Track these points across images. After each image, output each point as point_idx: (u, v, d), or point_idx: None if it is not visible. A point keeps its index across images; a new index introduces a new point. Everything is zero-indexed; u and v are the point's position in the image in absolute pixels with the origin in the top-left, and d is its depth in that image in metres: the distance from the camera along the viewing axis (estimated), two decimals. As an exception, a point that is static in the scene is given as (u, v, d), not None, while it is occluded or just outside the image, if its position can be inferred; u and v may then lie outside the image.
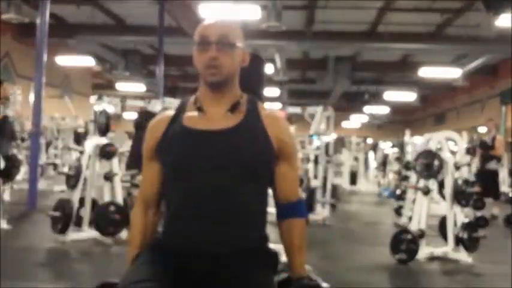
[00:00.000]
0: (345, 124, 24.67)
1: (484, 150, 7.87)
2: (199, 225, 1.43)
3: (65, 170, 9.30)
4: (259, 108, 1.54)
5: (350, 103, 19.60)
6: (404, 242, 4.68)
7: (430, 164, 4.97)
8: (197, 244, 1.43)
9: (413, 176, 6.57)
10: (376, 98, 18.86)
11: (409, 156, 8.20)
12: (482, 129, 10.00)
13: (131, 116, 15.16)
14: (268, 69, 13.72)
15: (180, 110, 1.54)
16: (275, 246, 1.55)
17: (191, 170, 1.44)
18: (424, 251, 4.82)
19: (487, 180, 7.32)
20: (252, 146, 1.45)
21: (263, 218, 1.54)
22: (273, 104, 11.26)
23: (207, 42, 1.45)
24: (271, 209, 1.57)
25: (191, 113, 1.51)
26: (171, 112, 1.56)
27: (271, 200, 1.56)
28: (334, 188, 8.16)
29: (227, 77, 1.48)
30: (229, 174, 1.43)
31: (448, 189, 4.97)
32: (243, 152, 1.44)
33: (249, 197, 1.47)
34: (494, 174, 7.80)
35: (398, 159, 10.36)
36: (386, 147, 15.34)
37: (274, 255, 1.54)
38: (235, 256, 1.43)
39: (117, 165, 5.36)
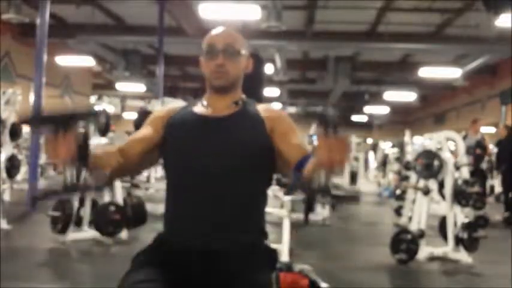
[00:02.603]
0: (344, 124, 24.63)
1: (480, 150, 7.89)
2: (199, 223, 1.45)
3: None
4: (256, 104, 1.64)
5: (350, 103, 19.60)
6: (404, 242, 4.67)
7: (430, 164, 4.97)
8: (197, 242, 1.44)
9: (413, 176, 6.56)
10: (376, 98, 18.86)
11: (409, 156, 8.19)
12: (483, 129, 10.01)
13: (131, 116, 15.17)
14: (268, 69, 13.71)
15: (190, 105, 1.66)
16: (275, 246, 1.56)
17: (192, 151, 1.51)
18: (424, 251, 4.81)
19: (480, 180, 7.40)
20: (249, 129, 1.53)
21: (262, 215, 1.56)
22: (273, 104, 11.25)
23: (214, 50, 1.55)
24: (271, 209, 1.58)
25: (198, 107, 1.63)
26: (182, 104, 1.69)
27: (270, 200, 1.56)
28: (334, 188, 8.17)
29: (232, 82, 1.58)
30: (229, 158, 1.47)
31: (448, 189, 4.97)
32: (240, 133, 1.52)
33: (249, 194, 1.49)
34: (485, 173, 7.95)
35: (398, 159, 10.35)
36: (387, 147, 15.33)
37: (273, 252, 1.55)
38: (235, 254, 1.44)
39: (117, 165, 5.36)
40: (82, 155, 1.31)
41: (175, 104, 1.71)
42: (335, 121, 1.18)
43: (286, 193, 5.21)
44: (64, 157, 1.27)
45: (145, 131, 1.59)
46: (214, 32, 1.61)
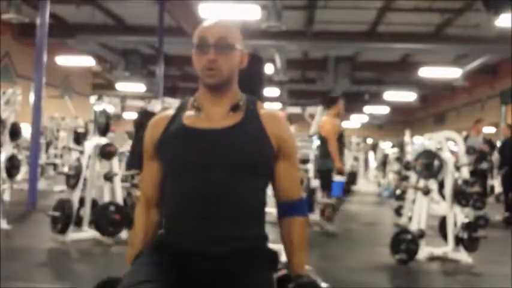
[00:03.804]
0: (345, 124, 24.69)
1: (488, 147, 7.94)
2: (199, 225, 1.44)
3: (65, 170, 9.31)
4: (258, 108, 1.55)
5: (350, 103, 19.59)
6: (404, 242, 4.67)
7: (430, 164, 4.97)
8: (197, 243, 1.43)
9: (413, 176, 6.56)
10: (376, 98, 18.86)
11: (409, 156, 8.20)
12: (485, 129, 10.00)
13: (131, 116, 15.16)
14: (268, 69, 13.71)
15: (180, 109, 1.56)
16: (275, 246, 1.55)
17: (190, 167, 1.45)
18: (424, 251, 4.81)
19: (480, 180, 7.39)
20: (251, 144, 1.46)
21: (262, 217, 1.54)
22: (273, 104, 11.26)
23: (205, 44, 1.47)
24: (271, 209, 1.58)
25: (191, 113, 1.53)
26: (171, 111, 1.58)
27: (270, 200, 1.56)
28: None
29: (225, 79, 1.49)
30: (228, 172, 1.43)
31: (448, 189, 4.97)
32: (241, 149, 1.45)
33: (248, 196, 1.47)
34: (485, 173, 7.96)
35: (398, 159, 10.35)
36: (386, 147, 15.33)
37: (274, 254, 1.54)
38: (235, 255, 1.43)
39: (117, 165, 5.36)
40: None
41: (160, 115, 1.60)
42: None
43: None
44: None
45: (148, 167, 1.57)
46: (206, 23, 1.51)
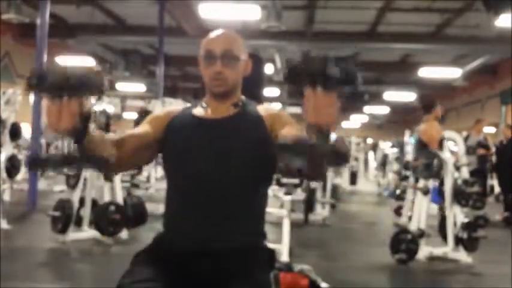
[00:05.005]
0: (345, 124, 24.69)
1: (482, 150, 7.91)
2: (198, 223, 1.45)
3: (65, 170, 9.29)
4: (256, 105, 1.63)
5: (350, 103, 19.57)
6: (404, 242, 4.68)
7: (430, 164, 4.97)
8: (197, 242, 1.44)
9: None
10: (376, 98, 18.86)
11: (409, 156, 8.19)
12: (485, 129, 9.99)
13: (131, 116, 15.16)
14: (268, 69, 13.70)
15: (190, 107, 1.65)
16: (274, 246, 1.56)
17: (193, 154, 1.50)
18: (424, 251, 4.82)
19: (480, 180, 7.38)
20: (249, 129, 1.53)
21: (262, 215, 1.56)
22: (273, 104, 11.26)
23: (212, 56, 1.53)
24: (271, 209, 1.58)
25: (199, 109, 1.62)
26: (182, 106, 1.69)
27: (271, 200, 1.57)
28: (334, 188, 8.17)
29: (231, 88, 1.57)
30: (229, 162, 1.47)
31: (448, 189, 4.97)
32: (241, 135, 1.52)
33: (249, 195, 1.49)
34: (485, 173, 7.93)
35: (398, 159, 10.35)
36: (386, 147, 15.33)
37: (272, 253, 1.56)
38: (234, 254, 1.44)
39: (117, 165, 5.36)
40: (83, 127, 1.21)
41: (176, 105, 1.70)
42: (321, 75, 1.14)
43: (286, 193, 5.21)
44: (65, 127, 1.17)
45: (144, 128, 1.58)
46: (212, 35, 1.58)
